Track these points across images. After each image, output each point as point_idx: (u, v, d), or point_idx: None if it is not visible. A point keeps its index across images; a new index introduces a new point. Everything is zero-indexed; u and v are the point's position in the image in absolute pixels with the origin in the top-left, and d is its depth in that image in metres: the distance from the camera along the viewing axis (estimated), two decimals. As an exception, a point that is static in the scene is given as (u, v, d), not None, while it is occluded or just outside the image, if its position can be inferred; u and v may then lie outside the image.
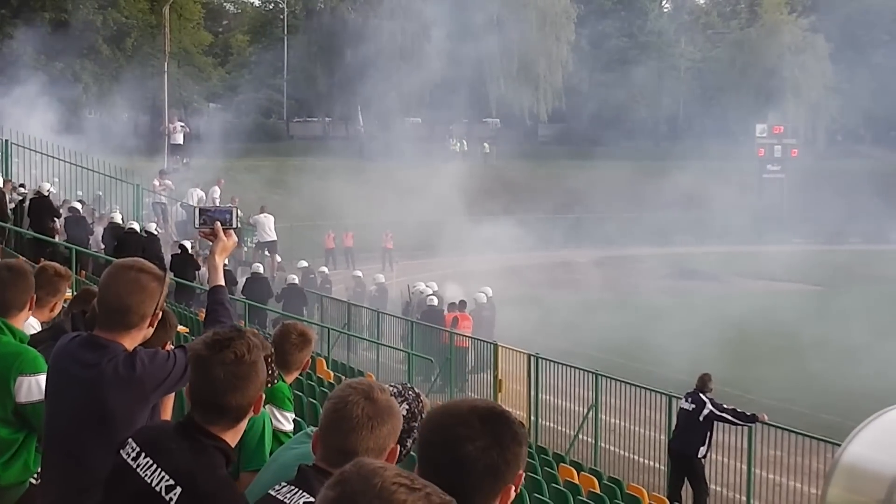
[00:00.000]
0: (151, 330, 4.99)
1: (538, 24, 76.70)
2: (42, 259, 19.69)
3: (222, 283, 5.58)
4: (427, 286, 33.52)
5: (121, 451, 4.09)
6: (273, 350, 6.37)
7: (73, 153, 36.51)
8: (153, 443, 4.06)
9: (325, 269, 38.79)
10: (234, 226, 5.73)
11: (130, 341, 4.88)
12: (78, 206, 29.24)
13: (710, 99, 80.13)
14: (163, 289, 4.91)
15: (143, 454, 4.02)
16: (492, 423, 3.11)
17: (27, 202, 27.80)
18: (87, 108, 59.02)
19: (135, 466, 4.02)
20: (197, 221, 5.79)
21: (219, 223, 5.66)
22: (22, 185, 30.44)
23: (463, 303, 30.80)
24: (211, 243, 5.74)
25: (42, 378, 5.66)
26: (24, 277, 6.11)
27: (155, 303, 4.89)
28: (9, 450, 5.77)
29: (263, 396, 4.12)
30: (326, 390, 16.40)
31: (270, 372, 4.22)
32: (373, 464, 2.56)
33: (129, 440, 4.11)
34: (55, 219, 27.33)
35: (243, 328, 4.26)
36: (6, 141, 37.09)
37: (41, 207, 26.89)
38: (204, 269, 26.42)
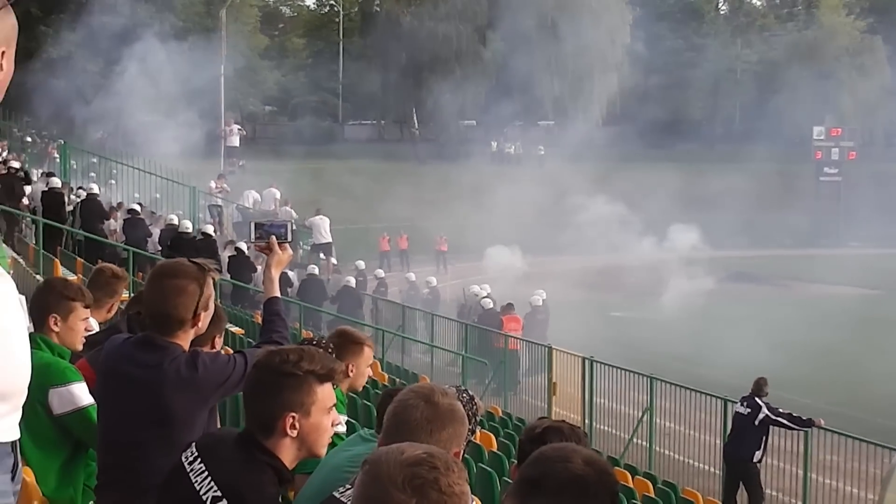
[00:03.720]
0: (203, 326, 5.02)
1: (593, 26, 76.43)
2: (100, 260, 19.86)
3: (278, 294, 5.63)
4: (482, 288, 33.46)
5: (182, 454, 4.10)
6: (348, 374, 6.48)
7: (130, 155, 36.79)
8: (210, 450, 4.03)
9: (381, 272, 38.71)
10: (289, 240, 5.79)
11: (183, 342, 4.93)
12: (137, 207, 29.44)
13: (766, 101, 79.52)
14: (203, 288, 4.92)
15: (199, 460, 4.01)
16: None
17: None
18: (145, 111, 59.42)
19: (189, 470, 4.02)
20: (253, 235, 5.86)
21: (274, 237, 5.71)
22: (80, 188, 30.69)
23: (510, 305, 30.67)
24: (266, 256, 5.80)
25: (74, 387, 5.70)
26: (47, 292, 6.13)
27: (194, 304, 4.91)
28: (54, 464, 5.77)
29: (293, 419, 3.94)
30: (379, 392, 16.43)
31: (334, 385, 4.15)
32: (400, 445, 2.82)
33: (192, 444, 4.11)
34: (104, 220, 27.51)
35: (309, 345, 4.23)
36: (63, 143, 37.46)
37: (91, 209, 27.07)
38: (259, 272, 26.52)
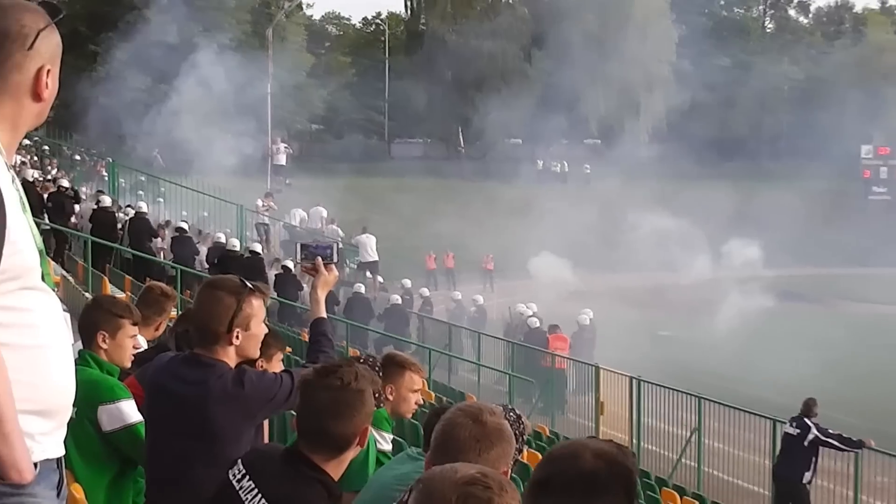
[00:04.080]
0: (247, 347, 5.03)
1: (639, 44, 76.35)
2: (148, 278, 19.97)
3: (324, 315, 5.67)
4: (528, 307, 33.39)
5: (229, 471, 4.10)
6: (382, 385, 6.44)
7: (178, 174, 37.02)
8: (258, 467, 4.05)
9: (426, 291, 38.60)
10: (335, 261, 5.81)
11: (226, 358, 4.93)
12: (184, 226, 29.60)
13: (813, 119, 79.08)
14: (240, 304, 4.93)
15: (248, 477, 4.02)
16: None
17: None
18: (191, 129, 59.84)
19: (238, 488, 4.02)
20: (299, 256, 5.93)
21: (320, 258, 5.73)
22: (129, 206, 30.88)
23: (556, 326, 30.61)
24: (312, 277, 5.84)
25: (123, 404, 5.74)
26: (96, 309, 6.18)
27: (228, 318, 4.92)
28: (103, 481, 5.80)
29: (369, 429, 4.08)
30: (426, 411, 16.39)
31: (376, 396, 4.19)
32: (453, 464, 2.77)
33: (239, 461, 4.12)
34: (153, 238, 27.68)
35: (353, 360, 4.26)
36: (112, 162, 37.73)
37: (139, 227, 27.23)
38: (306, 290, 26.57)
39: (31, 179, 27.69)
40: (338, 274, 5.94)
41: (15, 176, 3.11)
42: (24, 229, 3.02)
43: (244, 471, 4.05)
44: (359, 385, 3.97)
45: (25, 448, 2.99)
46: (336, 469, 4.01)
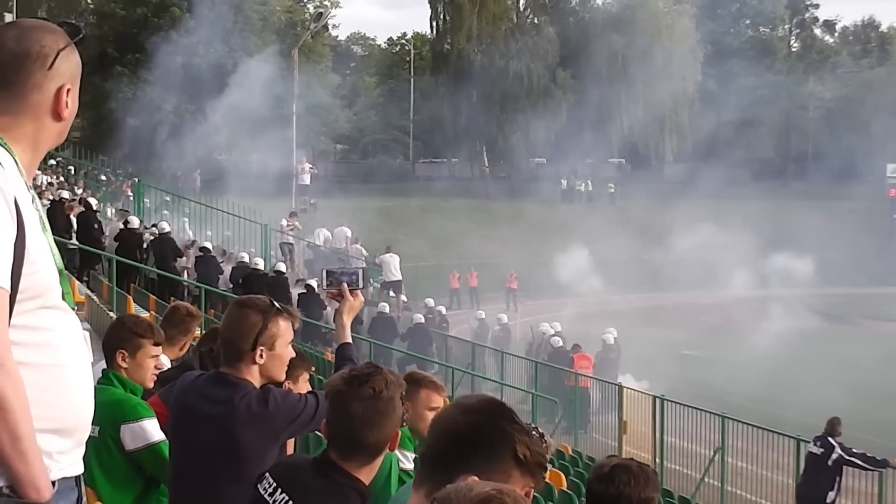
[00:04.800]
0: (272, 368, 5.05)
1: (664, 63, 76.29)
2: (172, 298, 20.01)
3: (350, 340, 5.69)
4: (550, 326, 33.33)
5: (258, 486, 4.11)
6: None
7: (202, 193, 37.10)
8: (290, 479, 4.06)
9: (443, 309, 38.39)
10: (361, 286, 5.80)
11: (251, 377, 4.96)
12: (209, 245, 29.65)
13: (839, 138, 78.85)
14: (266, 323, 4.94)
15: (280, 490, 4.02)
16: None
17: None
18: (217, 149, 60.04)
19: (271, 502, 4.04)
20: (324, 282, 5.90)
21: (345, 284, 5.74)
22: (154, 226, 30.97)
23: (577, 346, 30.52)
24: (338, 303, 5.83)
25: (146, 423, 5.77)
26: (118, 329, 6.21)
27: (253, 336, 4.92)
28: (126, 500, 5.82)
29: (399, 433, 4.10)
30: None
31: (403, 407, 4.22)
32: (467, 482, 2.71)
33: (267, 475, 4.13)
34: (177, 258, 27.72)
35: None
36: (138, 181, 37.85)
37: (163, 246, 27.26)
38: (329, 310, 26.59)
39: (59, 199, 27.83)
40: (363, 300, 5.93)
41: (35, 196, 3.15)
42: (43, 249, 3.05)
43: (275, 483, 4.06)
44: (390, 392, 3.98)
45: (43, 466, 3.01)
46: (368, 475, 4.02)
